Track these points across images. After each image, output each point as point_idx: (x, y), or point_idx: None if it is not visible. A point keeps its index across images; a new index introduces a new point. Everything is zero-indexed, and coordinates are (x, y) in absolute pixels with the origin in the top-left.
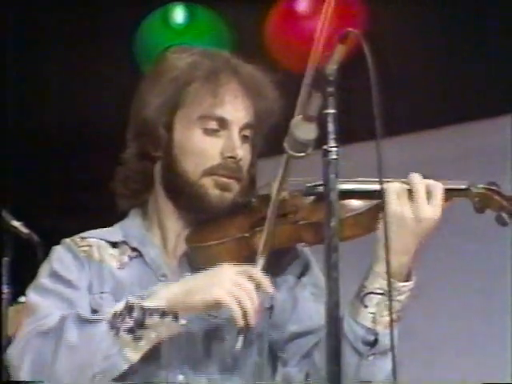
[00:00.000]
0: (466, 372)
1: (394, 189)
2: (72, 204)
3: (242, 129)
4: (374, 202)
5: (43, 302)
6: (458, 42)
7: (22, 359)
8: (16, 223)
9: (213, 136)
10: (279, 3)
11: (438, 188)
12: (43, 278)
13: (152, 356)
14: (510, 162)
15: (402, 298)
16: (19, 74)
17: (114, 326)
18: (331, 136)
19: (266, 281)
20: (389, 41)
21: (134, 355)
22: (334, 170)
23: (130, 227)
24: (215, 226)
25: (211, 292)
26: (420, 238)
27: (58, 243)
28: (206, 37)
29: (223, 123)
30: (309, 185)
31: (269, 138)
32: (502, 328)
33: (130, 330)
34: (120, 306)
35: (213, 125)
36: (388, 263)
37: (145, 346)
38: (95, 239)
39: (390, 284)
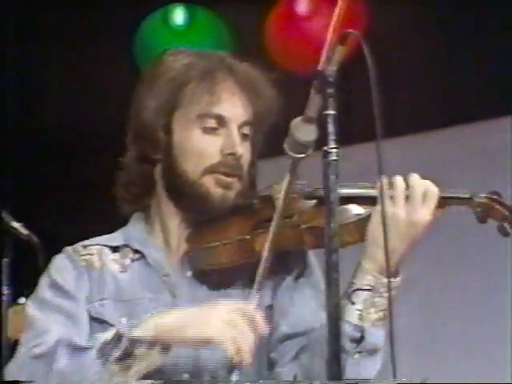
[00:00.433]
0: (466, 372)
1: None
2: (72, 205)
3: (240, 126)
4: (375, 207)
5: (41, 316)
6: (458, 42)
7: (17, 378)
8: (16, 224)
9: (212, 134)
10: (279, 4)
11: (434, 193)
12: (42, 289)
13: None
14: (511, 163)
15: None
16: (19, 74)
17: (103, 354)
18: (331, 137)
19: (260, 318)
20: (389, 41)
21: None
22: (334, 171)
23: (132, 231)
24: (216, 227)
25: (204, 329)
26: (409, 240)
27: (57, 244)
28: (206, 38)
29: (222, 121)
30: (309, 189)
31: (269, 139)
32: (502, 328)
33: (118, 360)
34: (109, 335)
35: (211, 123)
36: (388, 263)
37: (134, 375)
38: (97, 246)
39: (389, 283)
